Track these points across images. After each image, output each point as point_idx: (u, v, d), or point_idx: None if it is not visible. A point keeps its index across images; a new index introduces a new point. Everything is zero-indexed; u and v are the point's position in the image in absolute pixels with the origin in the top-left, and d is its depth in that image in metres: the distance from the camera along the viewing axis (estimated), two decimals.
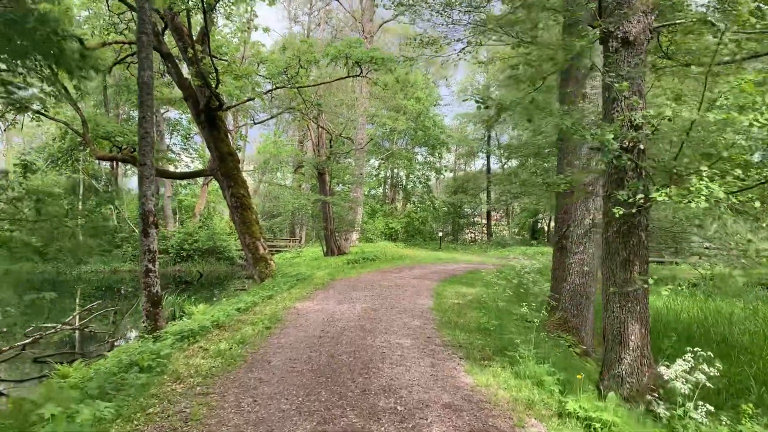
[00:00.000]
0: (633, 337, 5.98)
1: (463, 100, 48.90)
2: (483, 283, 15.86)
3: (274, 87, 20.60)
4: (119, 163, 36.89)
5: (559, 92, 13.50)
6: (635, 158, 5.91)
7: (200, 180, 38.73)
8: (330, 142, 27.45)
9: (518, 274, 16.24)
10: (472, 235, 52.24)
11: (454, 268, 21.28)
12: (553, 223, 48.26)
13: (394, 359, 6.70)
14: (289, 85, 20.00)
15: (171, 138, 39.14)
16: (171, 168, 29.00)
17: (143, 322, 8.68)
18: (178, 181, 40.05)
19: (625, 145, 5.90)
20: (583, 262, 11.29)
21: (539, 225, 46.49)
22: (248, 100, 20.39)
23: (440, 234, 42.99)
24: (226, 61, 19.50)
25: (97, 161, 38.84)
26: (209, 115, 17.99)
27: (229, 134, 19.78)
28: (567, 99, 13.10)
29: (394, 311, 10.40)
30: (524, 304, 12.68)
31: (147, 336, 8.01)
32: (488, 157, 51.16)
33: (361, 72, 20.12)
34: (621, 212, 5.37)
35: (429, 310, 10.70)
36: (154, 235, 8.85)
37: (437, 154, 48.13)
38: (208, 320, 8.78)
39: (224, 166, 18.12)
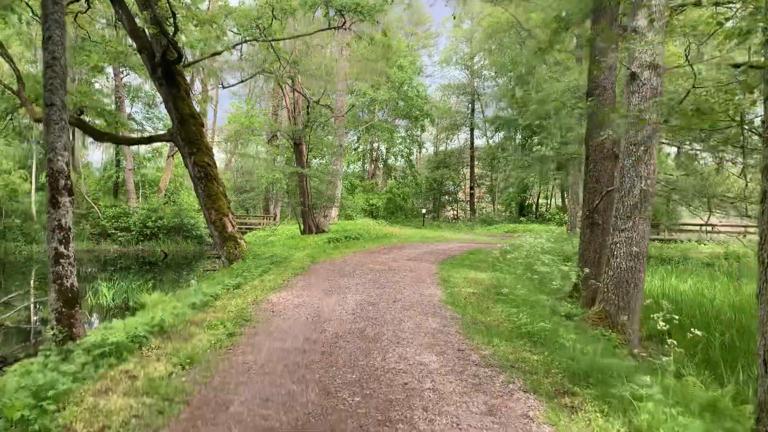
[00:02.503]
0: None
1: None
2: (489, 266, 13.58)
3: (243, 40, 17.83)
4: (74, 132, 33.62)
5: (592, 33, 11.10)
6: None
7: (165, 151, 35.67)
8: (307, 108, 24.74)
9: (530, 255, 14.02)
10: (455, 213, 50.07)
11: (448, 247, 18.97)
12: (542, 200, 46.33)
13: (427, 399, 4.27)
14: (261, 39, 17.32)
15: (132, 106, 35.86)
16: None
17: (52, 329, 6.13)
18: (141, 153, 36.93)
19: None
20: (632, 241, 8.98)
21: (527, 201, 44.36)
22: (213, 54, 17.55)
23: (424, 211, 40.63)
24: (186, 2, 16.59)
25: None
26: (167, 70, 15.29)
27: (191, 94, 16.99)
28: (606, 39, 10.70)
29: (399, 306, 8.00)
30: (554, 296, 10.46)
31: (53, 350, 5.49)
32: (472, 131, 48.78)
33: (345, 23, 17.50)
34: None
35: (442, 303, 8.32)
36: (68, 204, 6.25)
37: (420, 127, 45.51)
38: (146, 325, 6.26)
39: (185, 129, 15.45)
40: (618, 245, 9.14)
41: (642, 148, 8.89)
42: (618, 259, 9.13)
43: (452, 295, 8.99)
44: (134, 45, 16.57)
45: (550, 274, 12.49)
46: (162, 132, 37.13)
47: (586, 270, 9.42)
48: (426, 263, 13.61)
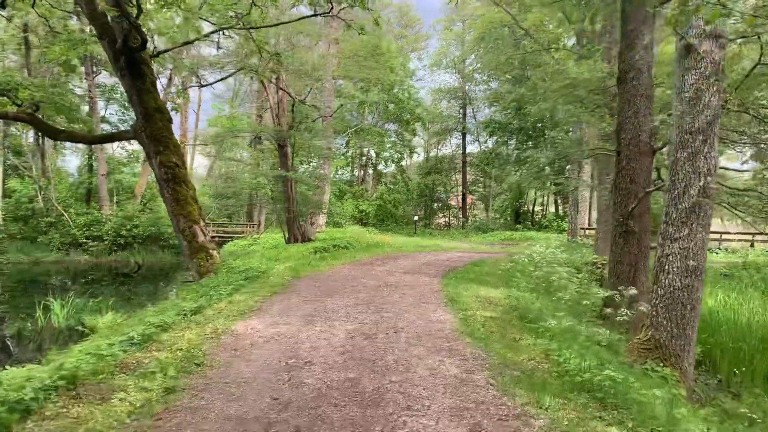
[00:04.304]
0: None
1: None
2: (500, 280, 11.80)
3: (219, 28, 15.97)
4: (43, 136, 31.52)
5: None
6: None
7: (142, 155, 33.63)
8: (293, 107, 22.93)
9: (543, 267, 12.29)
10: (446, 220, 48.31)
11: (446, 257, 17.17)
12: (535, 208, 44.70)
13: None
14: (239, 27, 15.51)
15: (107, 108, 33.80)
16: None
17: None
18: (116, 157, 34.87)
19: None
20: (688, 252, 7.22)
21: (523, 208, 42.66)
22: (186, 43, 15.72)
23: (416, 218, 38.84)
24: None
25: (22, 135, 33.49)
26: (130, 58, 13.45)
27: (158, 86, 15.10)
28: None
29: (402, 339, 6.15)
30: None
31: None
32: (464, 136, 47.16)
33: (332, 9, 15.75)
34: None
35: (457, 334, 6.49)
36: None
37: (411, 130, 43.78)
38: (50, 377, 4.38)
39: (150, 125, 13.57)
40: (670, 258, 7.38)
41: (700, 138, 7.16)
42: (670, 276, 7.37)
43: (467, 321, 7.16)
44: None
45: (572, 290, 10.77)
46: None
47: (633, 290, 7.59)
48: (426, 277, 11.80)
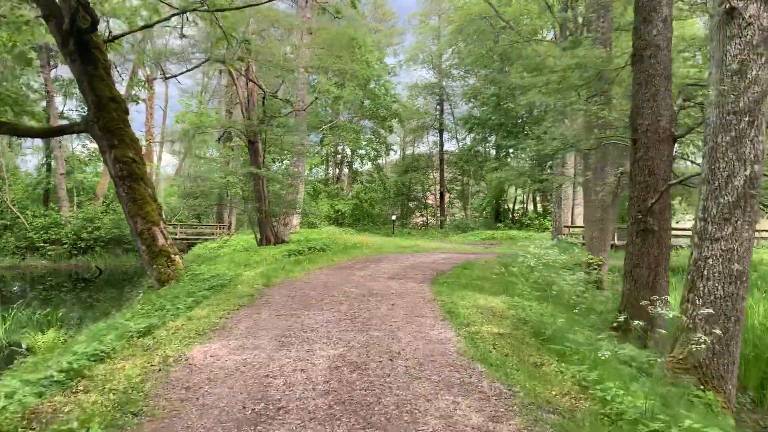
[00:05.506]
0: None
1: None
2: (495, 284, 10.61)
3: (183, 10, 14.54)
4: None
5: None
6: None
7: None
8: (263, 101, 21.56)
9: (540, 269, 11.19)
10: (424, 219, 47.19)
11: (431, 259, 15.97)
12: (515, 206, 43.83)
13: None
14: (203, 9, 14.12)
15: (65, 103, 31.85)
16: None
17: None
18: (76, 155, 32.88)
19: None
20: (732, 255, 6.12)
21: (504, 206, 41.69)
22: (145, 26, 14.30)
23: (394, 218, 37.62)
24: None
25: None
26: (79, 41, 11.98)
27: (112, 73, 13.59)
28: None
29: (400, 369, 4.90)
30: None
31: None
32: (441, 133, 46.17)
33: None
34: None
35: (465, 358, 5.26)
36: None
37: (387, 127, 42.51)
38: None
39: (103, 116, 12.13)
40: (710, 261, 6.26)
41: (746, 119, 6.06)
42: (711, 282, 6.25)
43: (473, 340, 5.93)
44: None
45: (571, 294, 9.69)
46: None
47: (666, 298, 6.44)
48: (414, 283, 10.57)
